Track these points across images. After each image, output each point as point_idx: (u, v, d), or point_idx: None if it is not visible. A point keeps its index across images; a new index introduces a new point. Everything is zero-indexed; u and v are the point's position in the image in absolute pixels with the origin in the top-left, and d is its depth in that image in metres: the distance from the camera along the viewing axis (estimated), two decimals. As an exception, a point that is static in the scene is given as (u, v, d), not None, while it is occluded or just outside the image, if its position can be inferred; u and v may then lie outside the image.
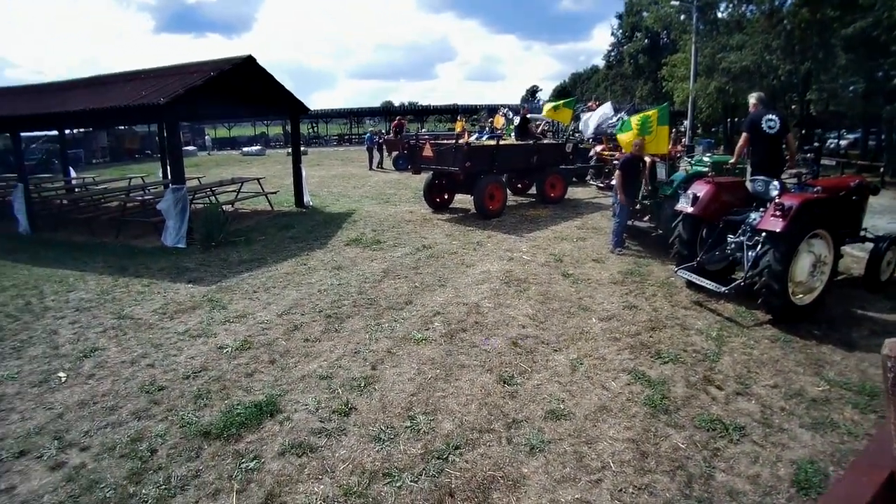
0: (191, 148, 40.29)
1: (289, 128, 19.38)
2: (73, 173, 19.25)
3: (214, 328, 6.38)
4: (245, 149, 42.52)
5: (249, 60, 12.51)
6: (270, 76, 13.33)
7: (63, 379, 5.29)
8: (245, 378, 5.15)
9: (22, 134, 14.41)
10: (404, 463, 3.87)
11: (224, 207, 13.04)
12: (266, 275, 8.47)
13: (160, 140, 17.63)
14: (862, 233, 8.11)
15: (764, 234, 6.42)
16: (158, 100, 10.23)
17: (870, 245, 7.96)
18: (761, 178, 7.45)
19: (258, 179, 15.03)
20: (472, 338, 6.00)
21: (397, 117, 32.54)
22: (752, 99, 8.04)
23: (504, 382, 5.00)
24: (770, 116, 7.49)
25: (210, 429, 4.29)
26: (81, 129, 34.93)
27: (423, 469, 3.80)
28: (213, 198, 13.80)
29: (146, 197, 14.14)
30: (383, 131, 33.65)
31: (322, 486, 3.65)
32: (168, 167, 13.52)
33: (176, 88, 10.73)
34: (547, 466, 3.84)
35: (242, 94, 12.99)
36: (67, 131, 22.84)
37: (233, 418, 4.41)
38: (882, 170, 21.50)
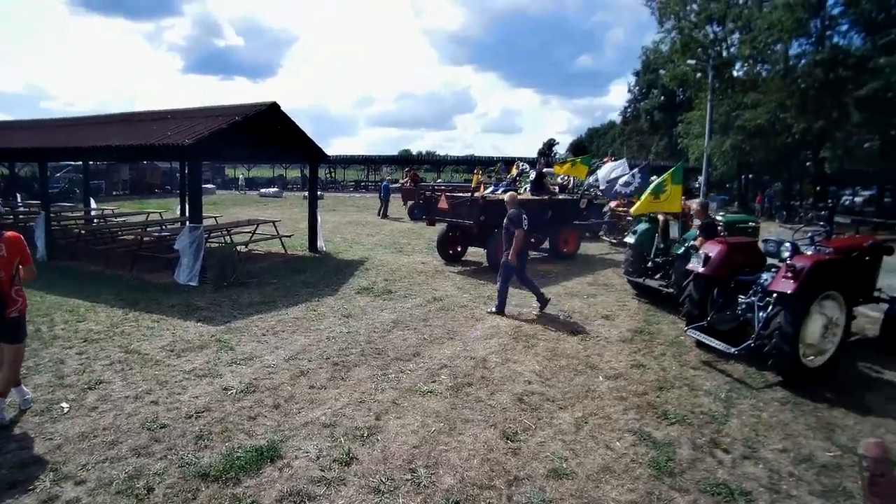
0: (209, 186, 41.01)
1: (307, 172, 19.67)
2: (93, 204, 19.59)
3: (221, 369, 6.37)
4: (263, 190, 43.28)
5: (273, 107, 12.83)
6: (292, 122, 13.66)
7: (66, 410, 5.28)
8: (248, 421, 5.12)
9: (48, 164, 14.80)
10: (403, 517, 3.81)
11: (238, 248, 13.19)
12: (276, 318, 8.50)
13: (181, 178, 17.96)
14: (876, 293, 8.08)
15: (775, 295, 6.40)
16: (183, 141, 10.48)
17: (885, 306, 7.93)
18: (773, 238, 7.48)
19: (274, 222, 15.22)
20: (478, 392, 5.96)
21: (408, 168, 33.12)
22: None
23: (507, 439, 4.94)
24: None
25: (209, 470, 4.23)
26: (105, 163, 35.75)
27: (422, 524, 3.74)
28: (228, 238, 13.96)
29: (163, 233, 14.33)
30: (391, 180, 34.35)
31: (318, 538, 3.60)
32: (186, 205, 13.74)
33: (201, 130, 11.00)
34: (547, 527, 3.77)
35: (264, 138, 13.24)
36: (91, 163, 23.35)
37: (233, 461, 4.37)
38: None
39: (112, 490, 3.99)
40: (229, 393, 5.71)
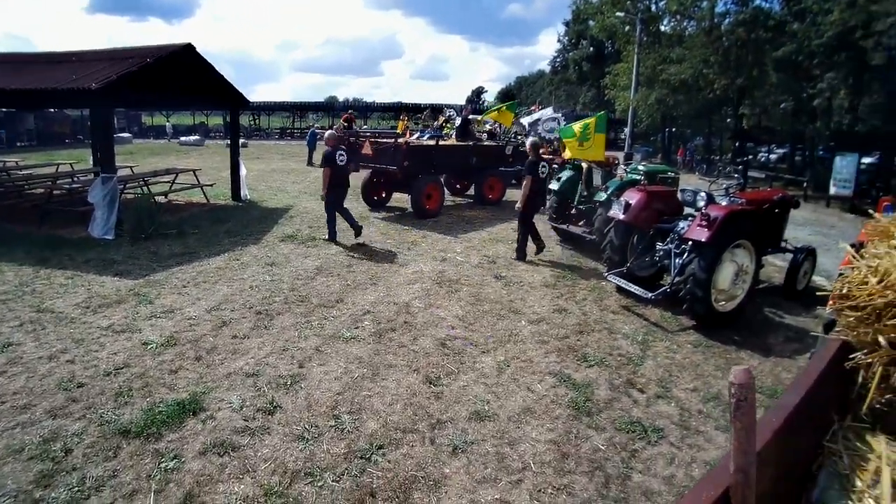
0: (125, 135, 38.91)
1: (229, 119, 18.85)
2: (-6, 156, 18.29)
3: (140, 323, 6.19)
4: (183, 138, 41.36)
5: (188, 49, 12.19)
6: (210, 66, 13.02)
7: (-33, 378, 4.94)
8: (169, 375, 5.03)
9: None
10: (327, 462, 3.87)
11: (157, 198, 12.67)
12: (197, 269, 8.27)
13: (92, 126, 16.96)
14: (783, 244, 8.57)
15: (690, 242, 6.69)
16: (90, 84, 9.79)
17: (790, 256, 8.45)
18: (690, 188, 7.78)
19: (194, 171, 14.65)
20: (401, 337, 6.05)
21: (348, 111, 32.45)
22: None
23: (430, 383, 5.06)
24: None
25: (130, 427, 4.16)
26: (3, 110, 33.15)
27: (346, 469, 3.81)
28: (145, 188, 13.38)
29: (74, 185, 13.55)
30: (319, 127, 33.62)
31: (242, 486, 3.61)
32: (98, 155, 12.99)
33: (109, 74, 10.31)
34: (469, 467, 3.91)
35: (181, 83, 12.59)
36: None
37: (154, 416, 4.31)
38: (805, 184, 22.99)
39: (24, 456, 3.82)
40: (149, 347, 5.57)
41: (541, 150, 17.97)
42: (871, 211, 3.59)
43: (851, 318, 2.53)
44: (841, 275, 2.78)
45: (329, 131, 11.34)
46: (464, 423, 4.45)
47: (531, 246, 9.63)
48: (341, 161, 10.02)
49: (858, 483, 2.16)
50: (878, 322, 2.41)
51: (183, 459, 3.85)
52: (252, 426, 4.26)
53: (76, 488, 3.53)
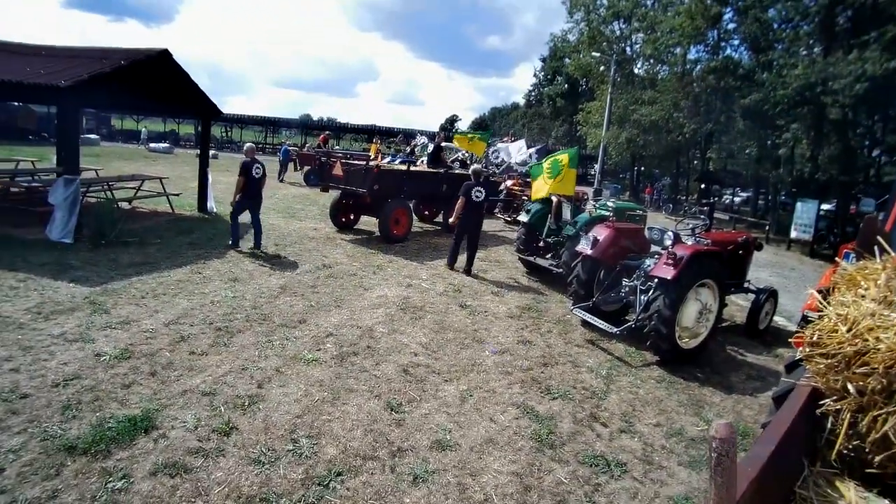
0: (93, 136, 38.08)
1: (200, 128, 18.57)
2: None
3: (94, 333, 5.94)
4: (153, 144, 40.60)
5: (164, 55, 12.00)
6: (185, 74, 12.84)
7: None
8: (121, 389, 4.83)
9: None
10: (283, 488, 3.75)
11: (120, 204, 12.34)
12: (157, 280, 8.03)
13: (58, 124, 16.48)
14: (746, 284, 8.80)
15: (656, 280, 6.79)
16: (58, 81, 9.50)
17: (752, 296, 8.66)
18: (657, 227, 7.93)
19: (161, 179, 14.38)
20: (363, 362, 5.95)
21: (325, 132, 32.48)
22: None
23: (392, 410, 4.98)
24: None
25: (77, 443, 3.94)
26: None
27: (303, 495, 3.70)
28: (109, 193, 13.06)
29: (33, 184, 13.16)
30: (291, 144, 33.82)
31: (193, 510, 3.46)
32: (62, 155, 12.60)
33: (80, 72, 10.05)
34: (429, 497, 3.83)
35: (154, 88, 12.40)
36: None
37: (103, 432, 4.11)
38: (767, 227, 23.95)
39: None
40: (102, 359, 5.35)
41: (511, 182, 18.41)
42: (837, 259, 3.69)
43: (822, 366, 2.58)
44: (805, 317, 2.84)
45: (248, 144, 11.62)
46: (425, 451, 4.38)
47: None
48: (257, 174, 10.55)
49: None
50: (847, 370, 2.46)
51: (132, 480, 3.68)
52: (206, 447, 4.11)
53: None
